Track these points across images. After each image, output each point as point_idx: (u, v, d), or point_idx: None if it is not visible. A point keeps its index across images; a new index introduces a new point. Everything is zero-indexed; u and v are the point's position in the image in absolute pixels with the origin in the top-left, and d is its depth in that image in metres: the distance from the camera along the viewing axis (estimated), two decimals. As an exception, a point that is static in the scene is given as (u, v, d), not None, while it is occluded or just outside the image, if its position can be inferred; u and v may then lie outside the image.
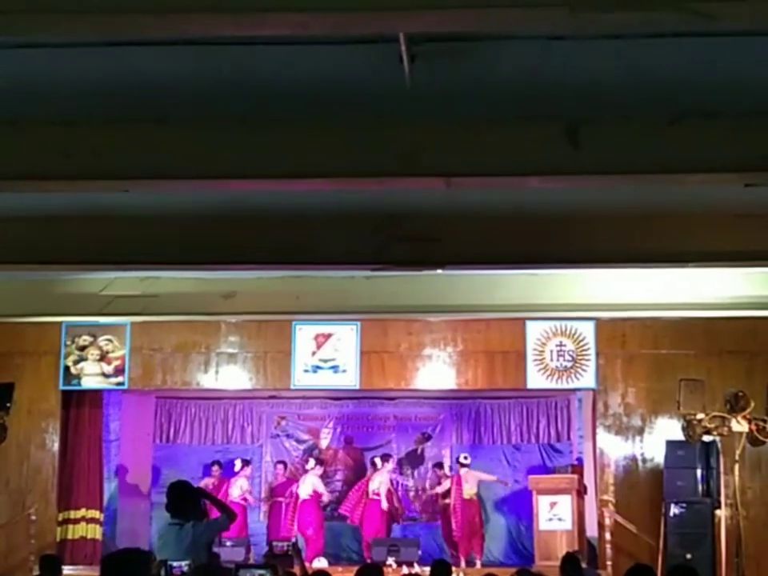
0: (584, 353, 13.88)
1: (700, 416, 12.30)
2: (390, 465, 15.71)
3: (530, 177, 6.38)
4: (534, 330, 13.84)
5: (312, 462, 15.71)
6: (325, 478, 16.02)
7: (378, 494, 15.27)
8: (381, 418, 16.94)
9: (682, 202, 8.11)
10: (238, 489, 15.48)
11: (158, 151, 6.27)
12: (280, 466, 16.31)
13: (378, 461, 15.70)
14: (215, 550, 9.94)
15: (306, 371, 13.98)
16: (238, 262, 9.25)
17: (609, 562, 13.31)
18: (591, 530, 14.29)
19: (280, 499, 15.79)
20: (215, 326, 14.33)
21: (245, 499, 15.52)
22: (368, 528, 15.21)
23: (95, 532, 14.83)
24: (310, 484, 15.33)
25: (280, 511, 15.69)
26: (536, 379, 13.95)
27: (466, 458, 15.48)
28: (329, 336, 13.93)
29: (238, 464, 15.79)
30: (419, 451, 16.85)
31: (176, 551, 7.59)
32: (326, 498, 15.45)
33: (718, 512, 13.03)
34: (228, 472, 15.98)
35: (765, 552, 13.26)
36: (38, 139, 6.26)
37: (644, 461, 14.08)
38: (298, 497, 15.31)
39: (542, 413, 16.48)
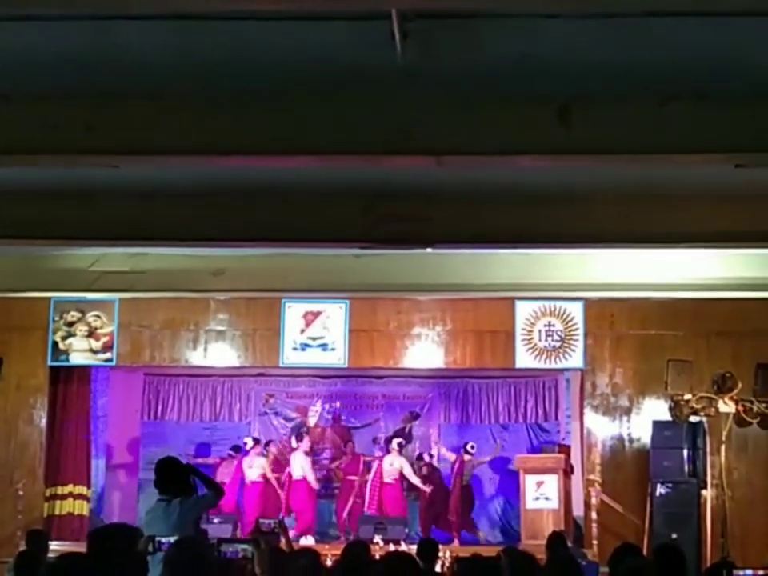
0: (572, 333, 13.90)
1: (687, 397, 12.37)
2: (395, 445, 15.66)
3: (520, 156, 6.38)
4: (523, 310, 13.86)
5: (294, 440, 15.62)
6: (312, 455, 16.02)
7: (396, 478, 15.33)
8: (369, 396, 16.97)
9: (671, 183, 8.11)
10: (258, 468, 15.38)
11: (148, 127, 6.24)
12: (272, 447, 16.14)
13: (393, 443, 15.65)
14: (203, 526, 9.95)
15: (295, 349, 13.98)
16: (227, 239, 9.23)
17: (595, 541, 13.38)
18: (578, 510, 14.36)
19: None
20: (204, 303, 14.31)
21: (264, 476, 15.41)
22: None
23: (82, 508, 14.82)
24: (299, 465, 15.30)
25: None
26: (524, 359, 13.98)
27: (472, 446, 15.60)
28: (318, 314, 13.93)
29: (249, 442, 15.72)
30: (407, 430, 16.88)
31: (163, 527, 7.60)
32: (314, 484, 15.37)
33: (704, 492, 13.11)
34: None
35: (749, 532, 13.34)
36: (27, 114, 6.23)
37: (631, 441, 14.13)
38: (290, 476, 15.31)
39: (530, 392, 16.53)
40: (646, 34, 5.35)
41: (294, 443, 15.64)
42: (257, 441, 15.78)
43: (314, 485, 15.32)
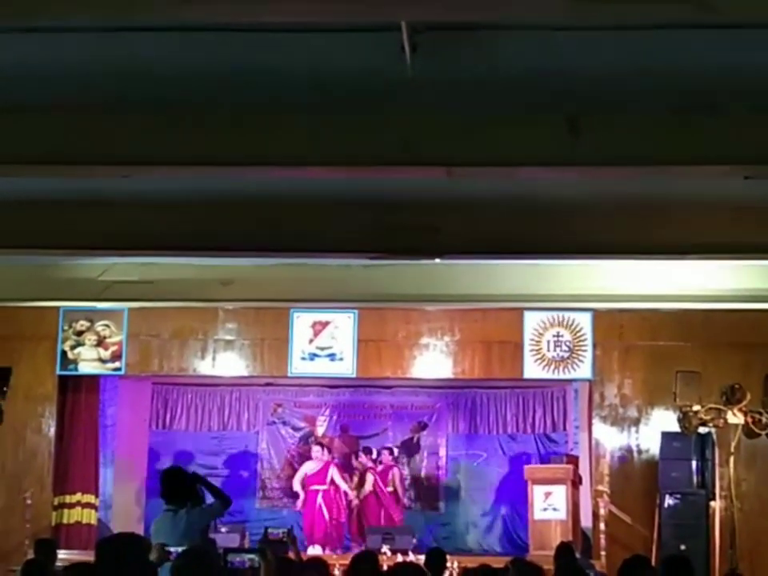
0: (581, 343, 13.87)
1: (696, 408, 12.34)
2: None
3: (530, 167, 6.38)
4: (532, 320, 13.84)
5: (317, 449, 15.73)
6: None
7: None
8: (377, 406, 16.95)
9: (681, 194, 8.11)
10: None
11: (158, 137, 6.26)
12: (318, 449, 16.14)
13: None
14: (211, 536, 9.94)
15: (303, 359, 13.97)
16: (236, 249, 9.25)
17: (603, 553, 13.34)
18: (586, 521, 14.32)
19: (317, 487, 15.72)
20: (213, 312, 14.32)
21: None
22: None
23: (90, 517, 14.83)
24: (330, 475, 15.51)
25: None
26: (533, 369, 13.95)
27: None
28: (326, 324, 13.92)
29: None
30: (415, 440, 16.88)
31: (170, 537, 7.62)
32: (349, 493, 15.56)
33: (712, 503, 13.09)
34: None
35: (758, 544, 13.31)
36: (37, 124, 6.25)
37: (639, 452, 14.11)
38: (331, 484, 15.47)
39: (538, 403, 16.49)
40: (656, 46, 5.35)
41: (317, 452, 15.72)
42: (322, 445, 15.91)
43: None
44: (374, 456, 15.91)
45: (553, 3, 4.31)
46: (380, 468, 15.81)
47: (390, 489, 15.65)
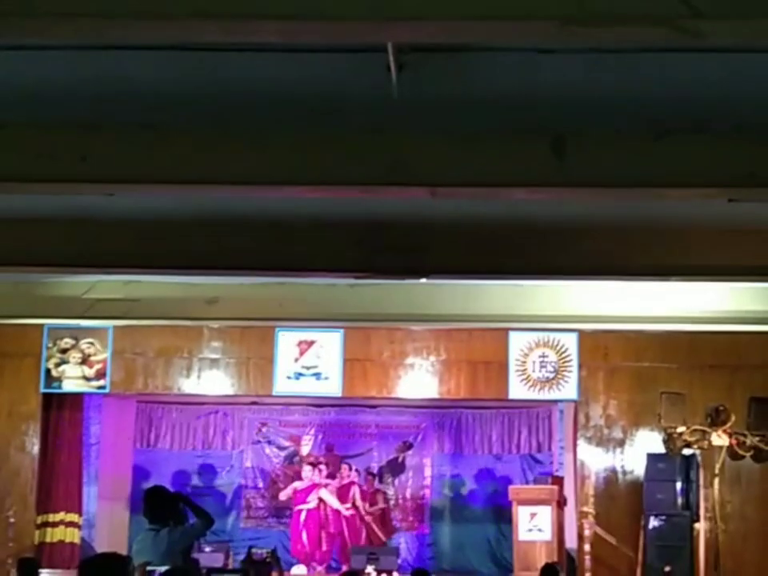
0: (566, 364, 13.88)
1: (681, 429, 12.34)
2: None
3: (515, 188, 6.38)
4: (517, 341, 13.84)
5: (308, 468, 15.82)
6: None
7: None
8: (362, 425, 16.94)
9: (666, 217, 8.13)
10: None
11: (144, 156, 6.24)
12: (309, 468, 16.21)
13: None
14: (194, 555, 9.90)
15: (289, 378, 13.95)
16: (222, 268, 9.23)
17: (588, 574, 13.31)
18: (571, 542, 14.30)
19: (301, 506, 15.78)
20: (198, 330, 14.30)
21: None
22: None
23: (74, 536, 14.76)
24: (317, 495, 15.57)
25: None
26: (518, 390, 13.96)
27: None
28: (312, 343, 13.91)
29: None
30: (400, 459, 16.85)
31: (152, 556, 7.60)
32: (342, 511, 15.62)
33: (696, 525, 13.07)
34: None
35: (742, 565, 13.31)
36: (22, 142, 6.23)
37: (624, 473, 14.11)
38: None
39: (524, 423, 16.51)
40: (642, 68, 5.37)
41: (308, 472, 15.84)
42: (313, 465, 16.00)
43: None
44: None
45: (541, 27, 4.31)
46: (336, 483, 15.82)
47: (348, 506, 15.64)
